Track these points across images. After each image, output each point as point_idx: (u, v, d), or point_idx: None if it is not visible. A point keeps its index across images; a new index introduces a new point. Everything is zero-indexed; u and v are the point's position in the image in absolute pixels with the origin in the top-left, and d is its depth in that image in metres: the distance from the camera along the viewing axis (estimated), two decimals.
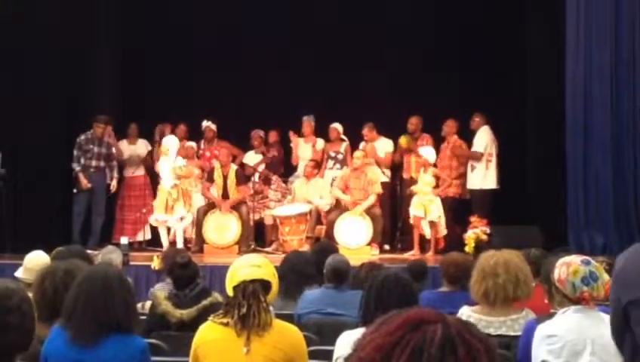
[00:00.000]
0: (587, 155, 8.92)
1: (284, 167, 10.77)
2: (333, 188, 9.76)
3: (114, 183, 10.18)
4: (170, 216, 9.60)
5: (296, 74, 10.84)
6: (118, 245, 7.84)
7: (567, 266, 3.47)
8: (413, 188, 9.53)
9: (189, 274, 4.90)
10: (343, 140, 10.36)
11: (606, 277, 3.44)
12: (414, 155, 10.00)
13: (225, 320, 3.27)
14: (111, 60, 11.23)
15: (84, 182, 9.80)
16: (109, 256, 6.16)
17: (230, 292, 3.33)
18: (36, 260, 4.92)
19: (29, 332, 2.35)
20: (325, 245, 6.82)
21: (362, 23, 10.95)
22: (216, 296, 4.72)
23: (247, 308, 3.22)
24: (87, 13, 10.55)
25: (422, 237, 9.51)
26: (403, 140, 10.15)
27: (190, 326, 4.21)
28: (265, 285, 3.32)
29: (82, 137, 9.89)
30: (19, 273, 5.03)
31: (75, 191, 9.85)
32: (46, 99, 9.95)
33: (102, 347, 3.10)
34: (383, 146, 10.23)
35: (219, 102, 10.82)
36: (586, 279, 3.41)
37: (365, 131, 10.19)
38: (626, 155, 8.80)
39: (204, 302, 4.67)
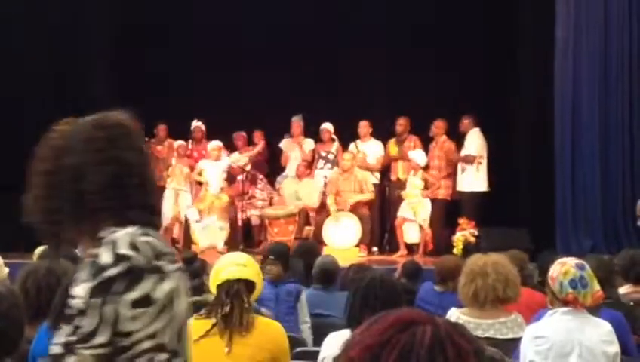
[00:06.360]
0: (575, 159, 8.96)
1: (269, 166, 10.73)
2: (328, 195, 9.70)
3: None
4: None
5: (295, 74, 10.80)
6: None
7: (562, 265, 3.48)
8: (403, 192, 9.53)
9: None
10: (334, 140, 10.35)
11: (596, 286, 3.44)
12: (402, 160, 10.01)
13: (207, 321, 3.26)
14: (108, 60, 11.16)
15: None
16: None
17: (213, 291, 3.31)
18: None
19: (16, 338, 2.32)
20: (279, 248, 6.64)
21: (360, 24, 10.94)
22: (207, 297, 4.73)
23: (230, 308, 3.19)
24: (86, 13, 10.50)
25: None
26: (393, 150, 10.13)
27: None
28: (249, 284, 3.30)
29: None
30: None
31: None
32: (41, 100, 9.86)
33: None
34: (373, 149, 10.22)
35: (216, 102, 10.77)
36: (574, 282, 3.40)
37: (360, 128, 10.17)
38: (613, 159, 8.85)
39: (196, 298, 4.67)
